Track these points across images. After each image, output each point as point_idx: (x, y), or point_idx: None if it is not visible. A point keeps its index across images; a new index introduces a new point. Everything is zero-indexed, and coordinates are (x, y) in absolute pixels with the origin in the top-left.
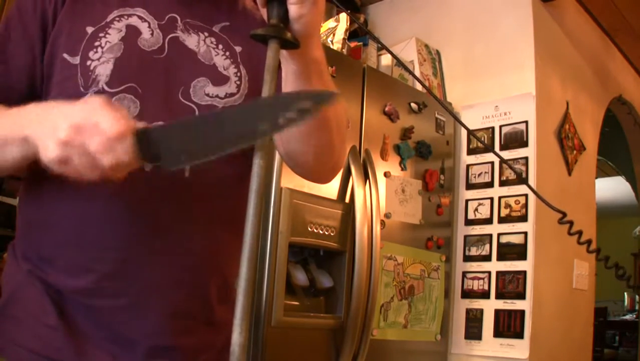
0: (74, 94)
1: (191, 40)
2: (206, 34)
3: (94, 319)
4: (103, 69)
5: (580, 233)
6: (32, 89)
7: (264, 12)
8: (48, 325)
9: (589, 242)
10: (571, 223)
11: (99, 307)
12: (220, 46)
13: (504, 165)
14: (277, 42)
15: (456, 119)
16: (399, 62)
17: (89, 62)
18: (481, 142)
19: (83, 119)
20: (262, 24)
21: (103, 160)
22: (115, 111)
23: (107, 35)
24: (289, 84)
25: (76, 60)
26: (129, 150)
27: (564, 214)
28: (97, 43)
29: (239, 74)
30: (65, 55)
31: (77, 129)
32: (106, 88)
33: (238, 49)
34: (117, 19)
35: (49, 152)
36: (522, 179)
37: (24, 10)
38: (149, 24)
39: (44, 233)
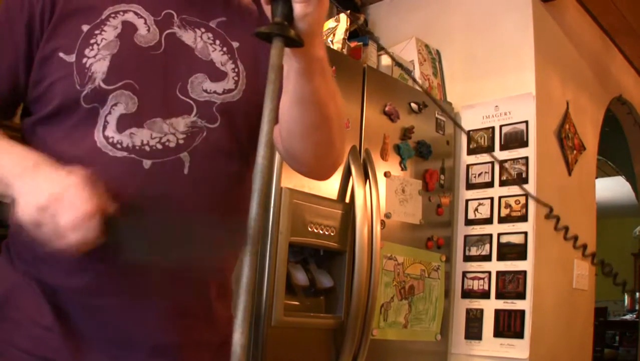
0: (71, 93)
1: (188, 36)
2: (203, 29)
3: (91, 319)
4: (99, 66)
5: (575, 237)
6: (14, 89)
7: (267, 9)
8: (44, 326)
9: (584, 246)
10: (567, 228)
11: (97, 306)
12: (218, 42)
13: (504, 165)
14: (281, 40)
15: (454, 121)
16: (399, 65)
17: (84, 60)
18: (476, 142)
19: (62, 189)
20: (259, 20)
21: (70, 236)
22: (92, 191)
23: (102, 32)
24: (291, 83)
25: (72, 58)
26: (94, 230)
27: (558, 220)
28: (92, 40)
29: (236, 69)
30: (61, 54)
31: (56, 198)
32: (103, 85)
33: (235, 44)
34: (113, 15)
35: (26, 214)
36: (519, 184)
37: (12, 8)
38: (145, 20)
39: None
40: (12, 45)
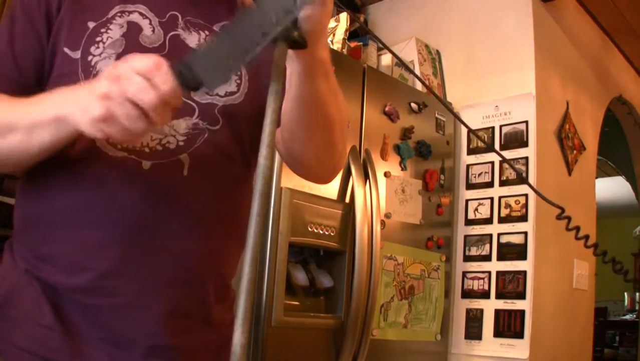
0: None
1: (192, 39)
2: (207, 32)
3: (91, 318)
4: (104, 65)
5: (578, 228)
6: (40, 79)
7: None
8: (44, 326)
9: (586, 237)
10: (569, 218)
11: (97, 306)
12: None
13: (504, 165)
14: (285, 42)
15: (455, 115)
16: (399, 61)
17: (90, 58)
18: (481, 139)
19: (116, 70)
20: None
21: (144, 100)
22: (147, 54)
23: (108, 31)
24: (293, 84)
25: (77, 54)
26: (167, 79)
27: (563, 210)
28: (98, 38)
29: (239, 72)
30: (66, 50)
31: (114, 78)
32: None
33: None
34: (119, 14)
35: (91, 112)
36: (521, 178)
37: (29, 6)
38: (150, 20)
39: (41, 231)
40: (36, 37)
